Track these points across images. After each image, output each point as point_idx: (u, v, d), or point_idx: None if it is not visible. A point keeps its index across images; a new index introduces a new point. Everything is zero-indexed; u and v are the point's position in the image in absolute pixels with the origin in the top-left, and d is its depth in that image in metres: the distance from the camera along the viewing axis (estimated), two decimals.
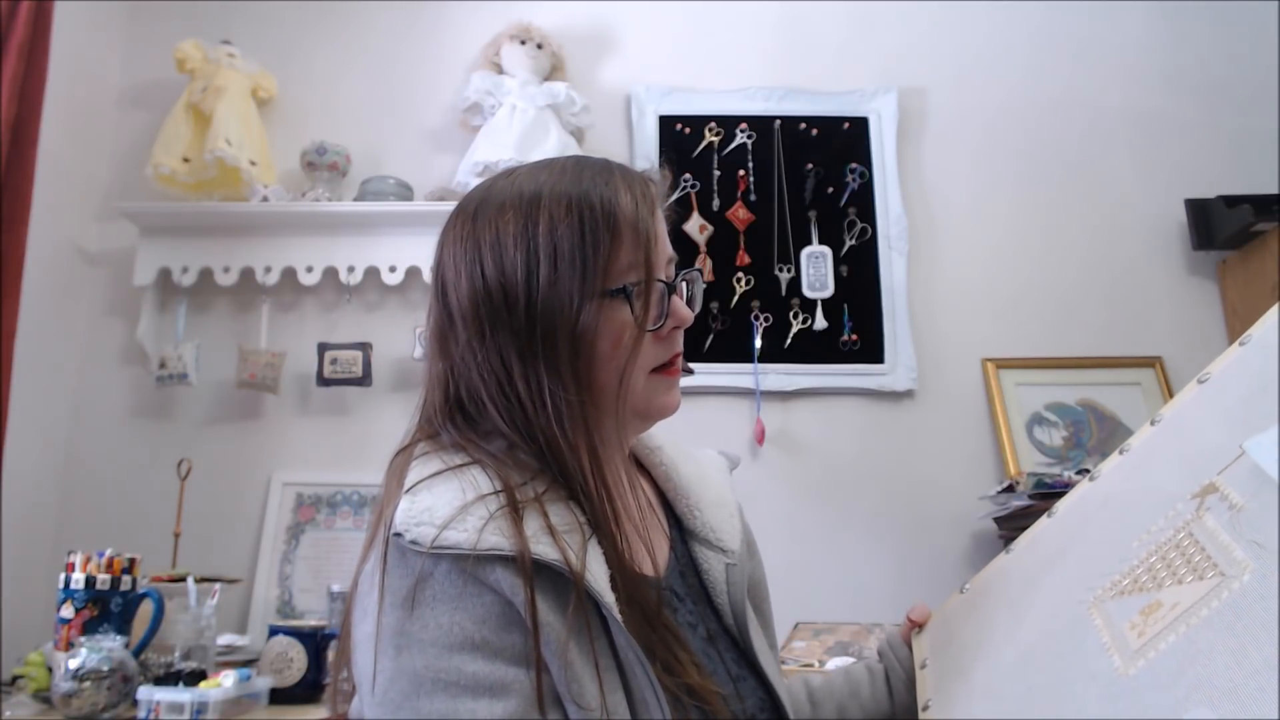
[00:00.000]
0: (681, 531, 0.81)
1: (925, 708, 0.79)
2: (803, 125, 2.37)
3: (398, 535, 0.62)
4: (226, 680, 1.41)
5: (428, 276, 2.16)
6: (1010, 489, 1.95)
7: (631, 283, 0.71)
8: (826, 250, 2.27)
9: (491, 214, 0.72)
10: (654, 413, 0.75)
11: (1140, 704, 0.56)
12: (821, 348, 2.21)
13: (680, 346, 0.76)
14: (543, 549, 0.62)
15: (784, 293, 2.24)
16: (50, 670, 1.50)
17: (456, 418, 0.73)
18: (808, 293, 2.24)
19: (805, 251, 2.27)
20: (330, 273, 2.21)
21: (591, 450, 0.70)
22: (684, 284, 0.78)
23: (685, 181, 2.32)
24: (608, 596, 0.63)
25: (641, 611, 0.66)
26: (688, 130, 2.37)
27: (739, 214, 2.30)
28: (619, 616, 0.63)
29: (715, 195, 2.31)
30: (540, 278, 0.69)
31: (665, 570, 0.76)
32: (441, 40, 2.44)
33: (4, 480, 1.73)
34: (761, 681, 0.74)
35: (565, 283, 0.68)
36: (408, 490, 0.65)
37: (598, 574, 0.64)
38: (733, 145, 2.35)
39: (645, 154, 2.33)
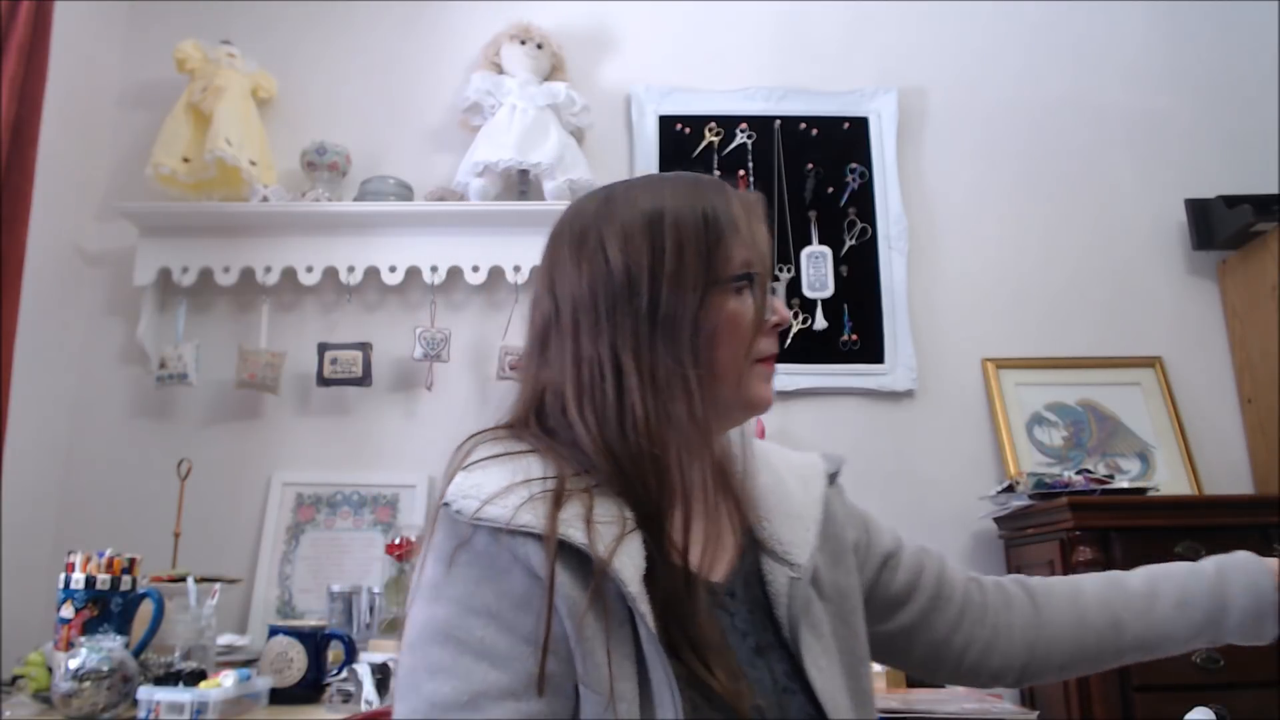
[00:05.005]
0: (752, 540, 0.81)
1: None
2: (803, 125, 2.37)
3: (447, 504, 0.67)
4: (226, 680, 1.41)
5: (427, 276, 2.17)
6: (1010, 489, 1.95)
7: (755, 272, 0.76)
8: (826, 250, 2.27)
9: (616, 210, 0.76)
10: (756, 403, 0.78)
11: None
12: (821, 348, 2.21)
13: (777, 346, 0.80)
14: (571, 532, 0.64)
15: (784, 293, 2.24)
16: (50, 670, 1.50)
17: (540, 417, 0.76)
18: (808, 293, 2.24)
19: (805, 251, 2.27)
20: (330, 273, 2.20)
21: (704, 426, 0.73)
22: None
23: None
24: (633, 587, 0.64)
25: (678, 611, 0.67)
26: (688, 130, 2.37)
27: None
28: (644, 610, 0.64)
29: None
30: (667, 264, 0.73)
31: (728, 575, 0.76)
32: (441, 40, 2.44)
33: (4, 480, 1.73)
34: (811, 698, 0.73)
35: (690, 270, 0.73)
36: (464, 467, 0.70)
37: (627, 564, 0.65)
38: (733, 145, 2.35)
39: (645, 154, 2.33)
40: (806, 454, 0.90)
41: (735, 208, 0.77)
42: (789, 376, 2.18)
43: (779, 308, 0.79)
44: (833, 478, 0.88)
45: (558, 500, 0.66)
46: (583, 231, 0.77)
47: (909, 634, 0.88)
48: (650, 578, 0.66)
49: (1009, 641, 0.88)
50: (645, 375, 0.71)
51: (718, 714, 0.65)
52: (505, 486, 0.67)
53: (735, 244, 0.75)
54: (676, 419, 0.71)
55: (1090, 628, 0.87)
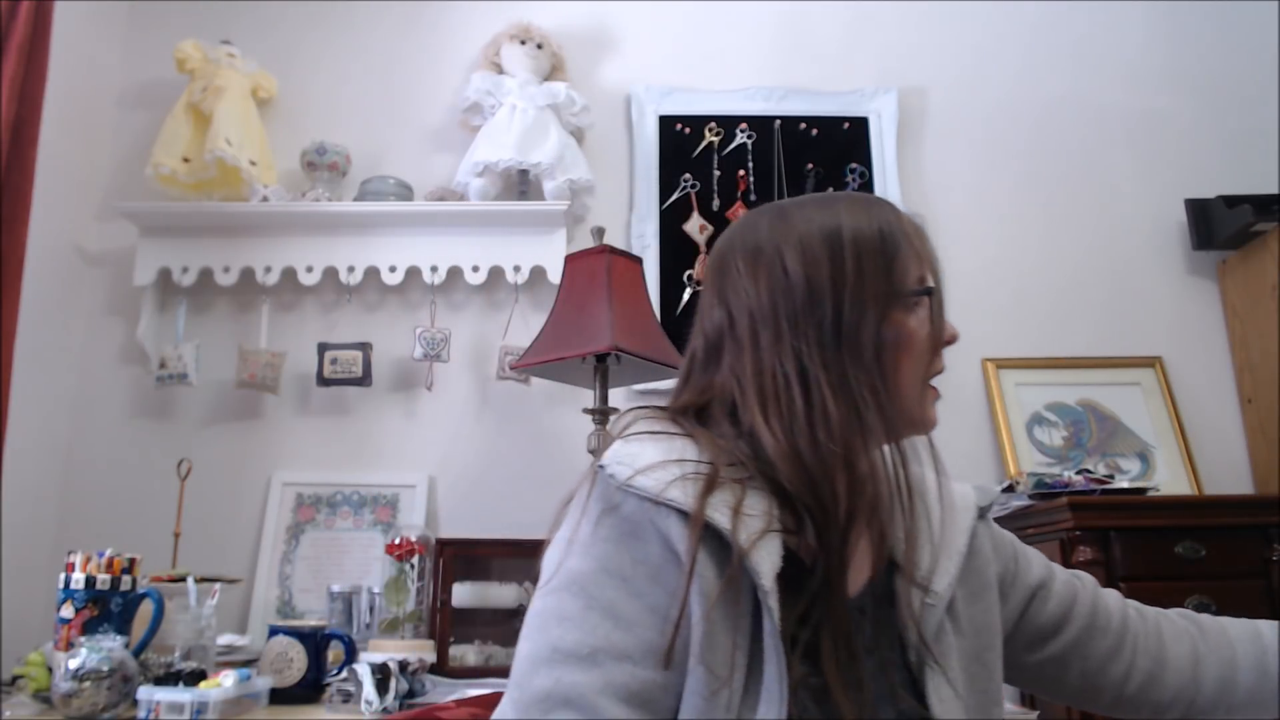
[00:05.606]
0: (890, 560, 0.80)
1: None
2: (803, 125, 2.37)
3: (602, 468, 0.70)
4: (226, 680, 1.41)
5: (427, 276, 2.17)
6: (1010, 489, 1.95)
7: (932, 286, 0.77)
8: None
9: (792, 224, 0.77)
10: (926, 424, 0.78)
11: None
12: None
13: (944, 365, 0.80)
14: (717, 516, 0.66)
15: None
16: (50, 670, 1.50)
17: (698, 416, 0.76)
18: None
19: None
20: (330, 273, 2.20)
21: (894, 435, 0.74)
22: None
23: (685, 181, 2.32)
24: (766, 581, 0.65)
25: (811, 615, 0.68)
26: (688, 130, 2.37)
27: (739, 214, 2.30)
28: (773, 605, 0.65)
29: (715, 195, 2.31)
30: (848, 277, 0.73)
31: (861, 590, 0.76)
32: (441, 40, 2.44)
33: (4, 480, 1.73)
34: None
35: (870, 284, 0.73)
36: (623, 436, 0.73)
37: (764, 559, 0.66)
38: (733, 145, 2.35)
39: (645, 154, 2.33)
40: (960, 484, 0.88)
41: (907, 225, 0.78)
42: None
43: (950, 326, 0.79)
44: (984, 511, 0.87)
45: (710, 485, 0.68)
46: (757, 245, 0.77)
47: (1062, 662, 0.87)
48: (785, 577, 0.66)
49: (1177, 674, 0.86)
50: (835, 382, 0.71)
51: (818, 712, 0.65)
52: (659, 461, 0.69)
53: (910, 259, 0.76)
54: (869, 424, 0.71)
55: (1268, 673, 0.85)
